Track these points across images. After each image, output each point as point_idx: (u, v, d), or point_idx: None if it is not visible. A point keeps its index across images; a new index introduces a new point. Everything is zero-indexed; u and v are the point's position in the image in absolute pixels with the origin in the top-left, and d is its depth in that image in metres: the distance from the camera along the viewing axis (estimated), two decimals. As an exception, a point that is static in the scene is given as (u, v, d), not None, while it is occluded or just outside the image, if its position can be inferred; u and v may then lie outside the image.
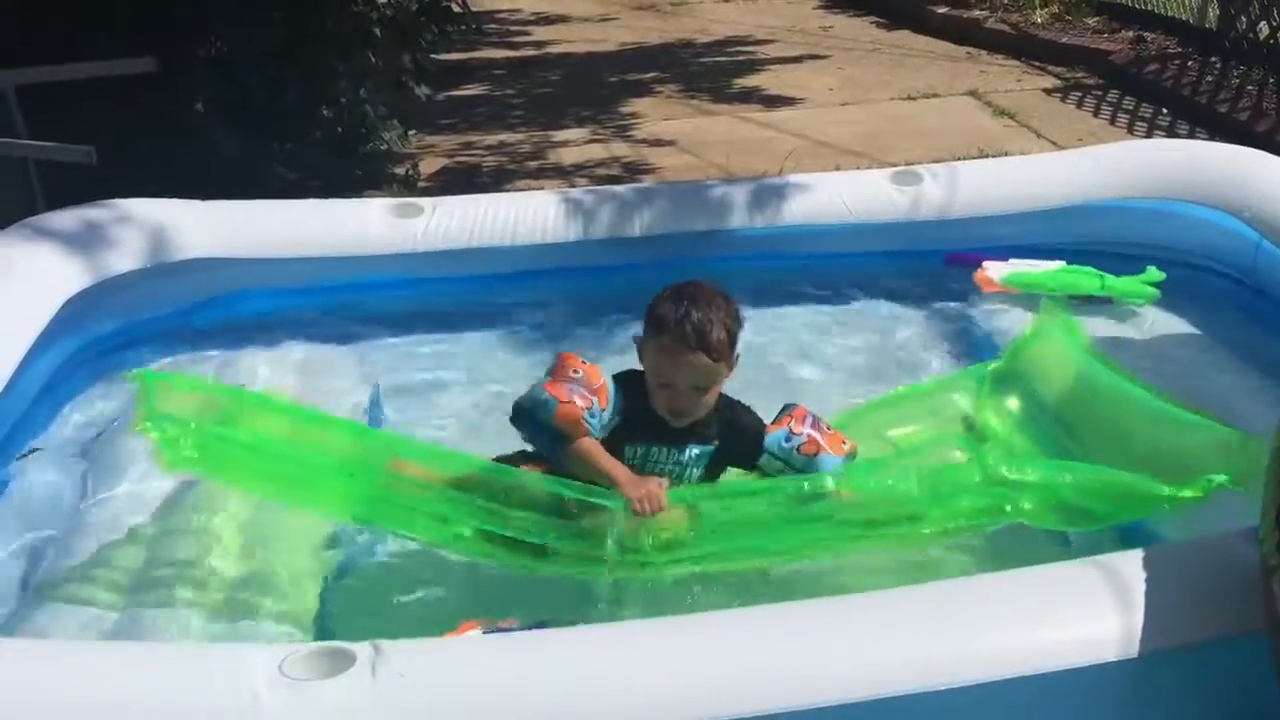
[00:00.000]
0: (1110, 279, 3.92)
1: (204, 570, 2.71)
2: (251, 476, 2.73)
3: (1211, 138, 6.25)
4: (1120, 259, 4.05)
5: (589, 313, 4.09)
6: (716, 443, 2.78)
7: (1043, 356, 3.26)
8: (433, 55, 6.72)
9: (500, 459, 2.79)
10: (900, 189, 4.27)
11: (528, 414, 2.69)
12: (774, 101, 7.72)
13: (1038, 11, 8.95)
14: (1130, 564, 2.28)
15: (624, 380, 2.77)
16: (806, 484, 2.69)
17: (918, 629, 2.20)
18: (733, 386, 2.80)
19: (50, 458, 3.31)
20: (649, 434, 2.72)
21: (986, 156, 5.84)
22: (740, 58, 8.99)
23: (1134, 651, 2.13)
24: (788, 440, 2.78)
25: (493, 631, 2.33)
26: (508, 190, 5.86)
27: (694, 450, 2.76)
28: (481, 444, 3.15)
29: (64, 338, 3.66)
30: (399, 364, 3.83)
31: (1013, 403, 3.20)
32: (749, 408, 2.85)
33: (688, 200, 4.32)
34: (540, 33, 10.08)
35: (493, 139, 7.16)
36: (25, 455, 3.30)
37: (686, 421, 2.71)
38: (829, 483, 2.68)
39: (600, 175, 6.32)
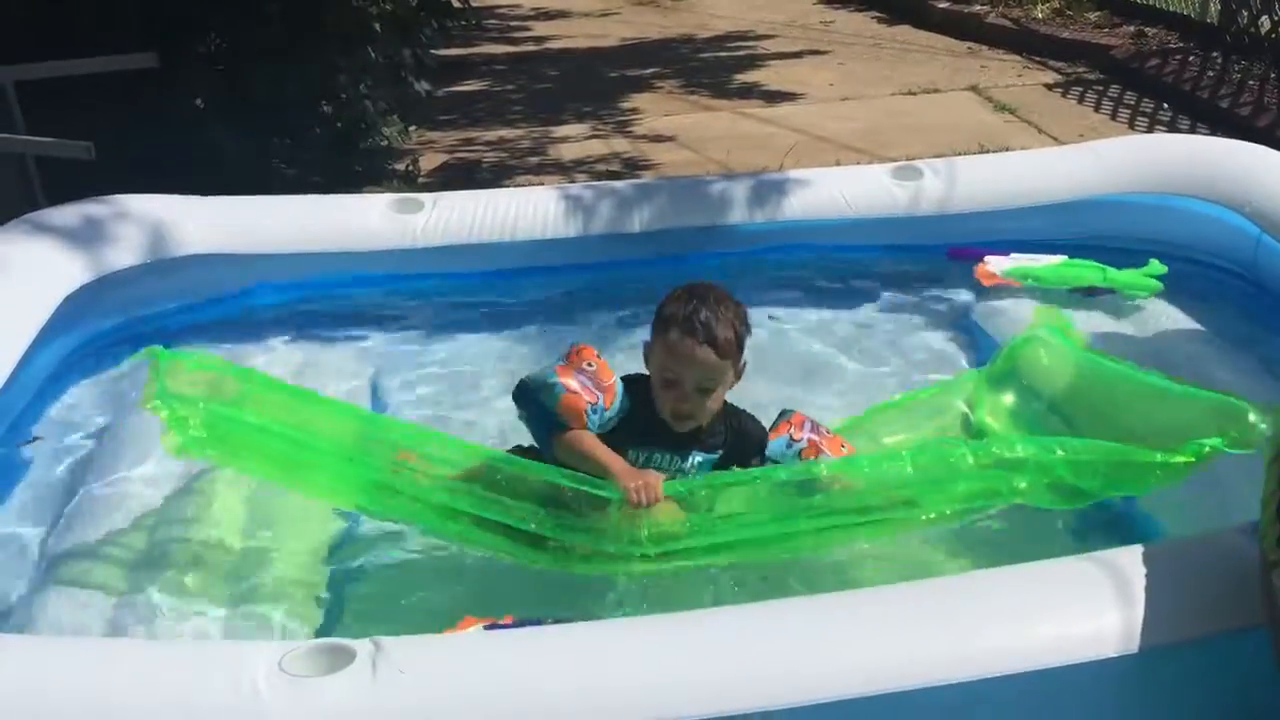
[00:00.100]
0: (1112, 272, 3.92)
1: (204, 566, 2.71)
2: (257, 459, 2.73)
3: (1213, 133, 6.24)
4: (1121, 254, 4.04)
5: (589, 308, 4.09)
6: (720, 452, 2.76)
7: (1038, 356, 3.25)
8: (433, 51, 6.73)
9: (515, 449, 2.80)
10: (900, 184, 4.27)
11: (532, 394, 2.70)
12: (774, 97, 7.71)
13: (1038, 6, 8.94)
14: (1130, 559, 2.28)
15: (631, 384, 2.76)
16: (801, 470, 2.68)
17: (917, 625, 2.20)
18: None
19: (50, 452, 3.31)
20: (652, 440, 2.72)
21: (987, 152, 5.83)
22: (740, 53, 8.99)
23: (1134, 647, 2.13)
24: (789, 446, 2.78)
25: (493, 629, 2.33)
26: (508, 186, 5.85)
27: (697, 458, 2.75)
28: (480, 439, 3.16)
29: (64, 333, 3.66)
30: (398, 360, 3.83)
31: (1008, 400, 3.19)
32: (753, 416, 2.84)
33: (688, 196, 4.32)
34: (540, 28, 10.07)
35: (493, 134, 7.16)
36: (28, 443, 3.31)
37: (689, 426, 2.70)
38: (823, 469, 2.68)
39: (600, 171, 6.32)
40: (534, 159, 6.66)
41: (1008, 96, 7.43)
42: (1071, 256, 4.01)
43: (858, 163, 5.69)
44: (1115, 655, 2.13)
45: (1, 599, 2.72)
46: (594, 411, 2.65)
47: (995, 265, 3.98)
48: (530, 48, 9.47)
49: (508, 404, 3.48)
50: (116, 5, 5.44)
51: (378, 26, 5.89)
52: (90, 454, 3.26)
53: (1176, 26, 8.24)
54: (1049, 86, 7.70)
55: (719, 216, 4.23)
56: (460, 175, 6.32)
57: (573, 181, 5.68)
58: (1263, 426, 2.56)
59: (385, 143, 6.40)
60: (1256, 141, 4.49)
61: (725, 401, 2.75)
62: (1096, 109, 7.21)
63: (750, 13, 10.12)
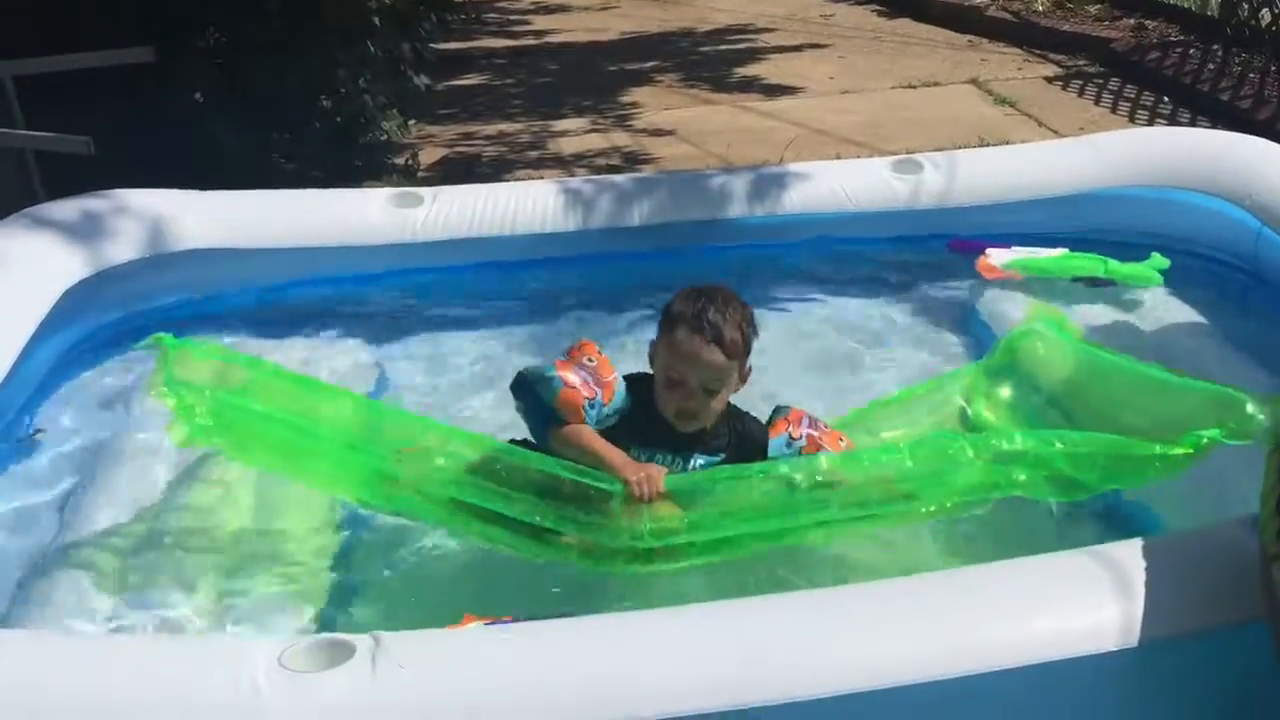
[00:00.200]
0: (1114, 264, 3.92)
1: (204, 561, 2.71)
2: (262, 448, 2.73)
3: (1213, 125, 6.24)
4: (1122, 247, 4.04)
5: (589, 303, 4.08)
6: (723, 455, 2.75)
7: (1035, 349, 3.25)
8: (432, 44, 6.72)
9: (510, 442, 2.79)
10: (900, 178, 4.27)
11: (529, 386, 2.68)
12: (774, 90, 7.70)
13: (1038, -1, 8.94)
14: (1130, 553, 2.28)
15: (634, 382, 2.74)
16: (802, 464, 2.68)
17: (916, 620, 2.20)
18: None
19: (50, 446, 3.31)
20: (654, 440, 2.70)
21: (987, 145, 5.83)
22: (740, 46, 8.98)
23: (1134, 640, 2.13)
24: (789, 445, 2.77)
25: (494, 627, 2.33)
26: (507, 180, 5.84)
27: (699, 460, 2.73)
28: (480, 432, 3.15)
29: (64, 328, 3.66)
30: (398, 354, 3.83)
31: (1006, 395, 3.19)
32: (755, 418, 2.83)
33: (688, 189, 4.31)
34: (540, 22, 10.06)
35: (492, 129, 7.15)
36: (30, 436, 3.31)
37: (693, 427, 2.68)
38: (824, 463, 2.68)
39: (600, 165, 6.31)
40: (533, 153, 6.66)
41: (1008, 90, 7.42)
42: (1073, 250, 4.01)
43: (858, 156, 5.69)
44: (1115, 649, 2.13)
45: (3, 594, 2.72)
46: (591, 407, 2.64)
47: (996, 258, 3.97)
48: (530, 41, 9.46)
49: (507, 398, 3.49)
50: (116, 0, 5.43)
51: (377, 20, 5.89)
52: (90, 448, 3.26)
53: (1177, 19, 8.23)
54: (1049, 79, 7.69)
55: (719, 210, 4.23)
56: (460, 169, 6.31)
57: (572, 175, 5.67)
58: (1261, 418, 2.56)
59: (385, 137, 6.40)
60: (1257, 134, 4.49)
61: (729, 403, 2.74)
62: (1097, 102, 7.20)
63: (750, 6, 10.11)
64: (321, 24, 5.71)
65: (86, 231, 3.81)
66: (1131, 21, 8.43)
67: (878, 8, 9.91)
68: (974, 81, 7.66)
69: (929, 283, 4.16)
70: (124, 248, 3.85)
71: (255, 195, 4.23)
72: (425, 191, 4.24)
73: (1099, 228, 4.20)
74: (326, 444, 2.71)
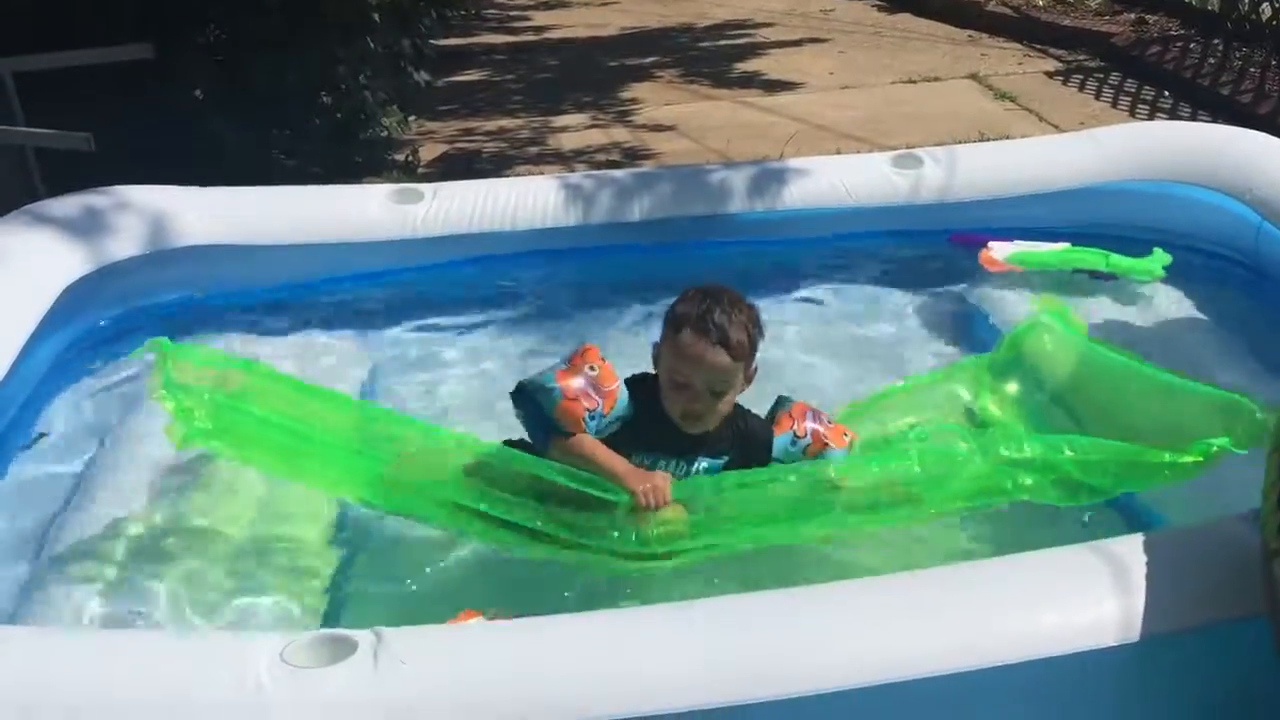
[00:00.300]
0: (1115, 258, 3.92)
1: (206, 558, 2.71)
2: (262, 451, 2.73)
3: (1214, 120, 6.23)
4: (1122, 242, 4.04)
5: (589, 298, 4.09)
6: (727, 457, 2.74)
7: (1041, 344, 3.25)
8: (432, 40, 6.71)
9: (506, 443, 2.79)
10: (901, 173, 4.26)
11: (529, 396, 2.67)
12: (774, 86, 7.69)
13: (1039, -7, 8.93)
14: (1131, 548, 2.28)
15: (636, 387, 2.72)
16: (809, 471, 2.68)
17: (917, 615, 2.20)
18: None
19: (52, 443, 3.32)
20: (658, 446, 2.69)
21: (988, 140, 5.82)
22: (740, 41, 8.97)
23: (1135, 636, 2.13)
24: (793, 444, 2.77)
25: (493, 620, 2.33)
26: (508, 176, 5.84)
27: (703, 464, 2.72)
28: (480, 430, 3.15)
29: (64, 324, 3.66)
30: (399, 350, 3.84)
31: (1012, 389, 3.19)
32: (757, 416, 2.81)
33: (688, 184, 4.31)
34: (539, 17, 10.05)
35: (492, 125, 7.15)
36: (32, 442, 3.31)
37: (699, 429, 2.66)
38: (831, 471, 2.67)
39: (600, 161, 6.31)
40: (534, 149, 6.65)
41: (1008, 84, 7.41)
42: (1075, 244, 4.01)
43: (858, 151, 5.68)
44: (1116, 644, 2.13)
45: (5, 591, 2.73)
46: (592, 418, 2.62)
47: (999, 251, 3.97)
48: (530, 37, 9.45)
49: (507, 394, 3.50)
50: (116, -4, 5.44)
51: (377, 16, 5.88)
52: (92, 445, 3.26)
53: (1177, 14, 8.22)
54: (1050, 74, 7.68)
55: (719, 206, 4.23)
56: (460, 165, 6.31)
57: (573, 171, 5.67)
58: (1269, 426, 2.55)
59: (385, 133, 6.40)
60: (1257, 129, 4.48)
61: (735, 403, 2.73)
62: (1097, 97, 7.20)
63: (750, 1, 10.10)
64: (321, 20, 5.71)
65: (87, 228, 3.81)
66: (1132, 16, 8.42)
67: (878, 3, 9.90)
68: (974, 76, 7.65)
69: (929, 277, 4.16)
70: (124, 244, 3.85)
71: (255, 192, 4.22)
72: (426, 187, 4.24)
73: (1099, 223, 4.20)
74: (326, 446, 2.71)
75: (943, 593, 2.26)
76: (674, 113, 7.18)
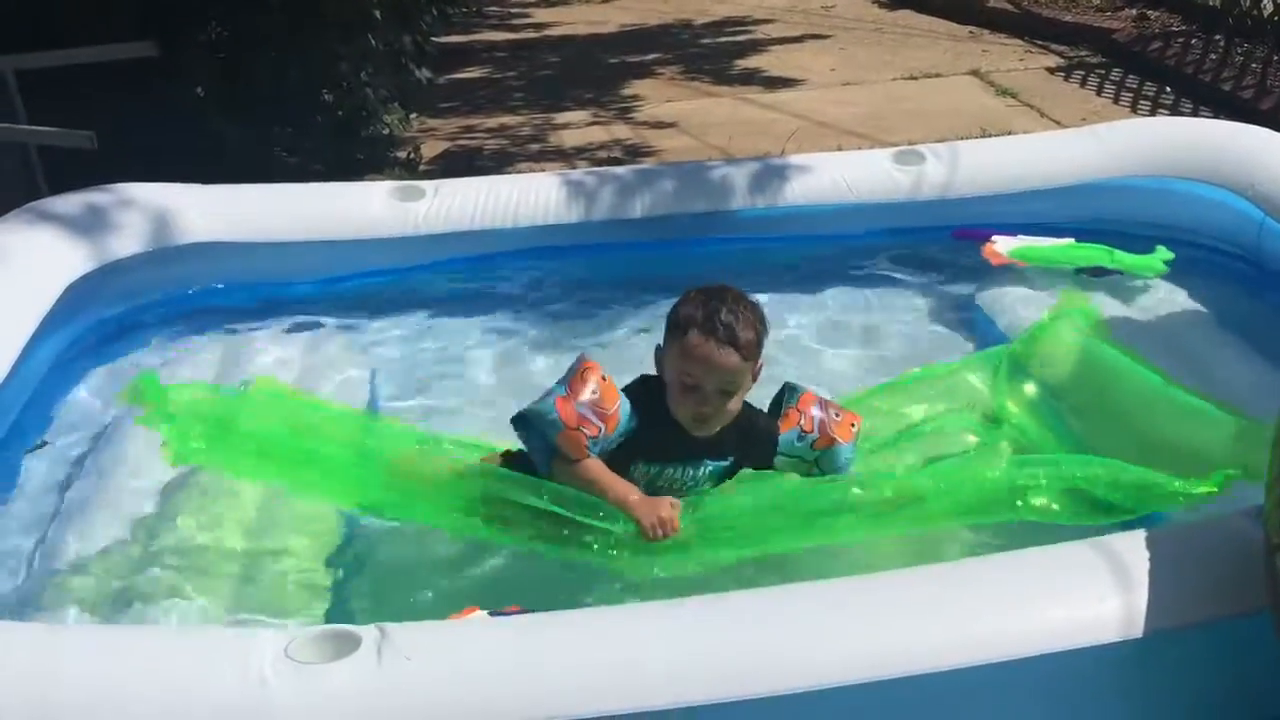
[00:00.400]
0: (1119, 254, 3.92)
1: (210, 554, 2.72)
2: (259, 464, 2.71)
3: (1215, 116, 6.22)
4: (1124, 238, 4.04)
5: (590, 295, 4.09)
6: (732, 458, 2.72)
7: (1060, 342, 3.22)
8: (433, 38, 6.71)
9: (505, 454, 2.79)
10: (902, 169, 4.26)
11: (532, 424, 2.62)
12: (775, 83, 7.69)
13: (1040, -11, 8.92)
14: (1133, 544, 2.28)
15: (638, 394, 2.68)
16: (821, 494, 2.66)
17: (919, 611, 2.20)
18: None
19: (55, 442, 3.32)
20: (663, 453, 2.66)
21: (989, 136, 5.82)
22: (741, 38, 8.97)
23: (1137, 632, 2.14)
24: (800, 439, 2.75)
25: (497, 615, 2.33)
26: (509, 173, 5.84)
27: (709, 466, 2.71)
28: (480, 427, 3.16)
29: (67, 322, 3.67)
30: (399, 348, 3.84)
31: (1028, 387, 3.15)
32: (762, 411, 2.79)
33: (689, 181, 4.31)
34: (540, 15, 10.05)
35: (494, 122, 7.15)
36: (34, 449, 3.31)
37: (707, 431, 2.63)
38: (844, 491, 2.65)
39: (601, 158, 6.31)
40: (535, 146, 6.65)
41: (1009, 80, 7.41)
42: (1078, 239, 4.01)
43: (859, 148, 5.68)
44: (1118, 640, 2.13)
45: (8, 589, 2.73)
46: (595, 445, 2.58)
47: (1002, 245, 3.98)
48: (530, 34, 9.45)
49: (508, 391, 3.51)
50: (117, -7, 5.44)
51: (378, 14, 5.88)
52: (95, 443, 3.27)
53: (1179, 9, 8.21)
54: (1051, 70, 7.68)
55: (721, 202, 4.22)
56: (461, 163, 6.31)
57: (574, 168, 5.67)
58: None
59: (386, 130, 6.40)
60: (1259, 124, 4.48)
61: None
62: (1099, 93, 7.19)
63: (750, -3, 10.11)
64: (323, 18, 5.71)
65: (89, 226, 3.81)
66: (1133, 12, 8.41)
67: (879, -2, 9.90)
68: (976, 73, 7.65)
69: (931, 273, 4.16)
70: (127, 242, 3.85)
71: (257, 189, 4.23)
72: (427, 185, 4.24)
73: (1101, 218, 4.20)
74: (325, 457, 2.69)
75: (943, 589, 2.26)
76: (675, 109, 7.18)
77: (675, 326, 2.60)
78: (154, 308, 3.95)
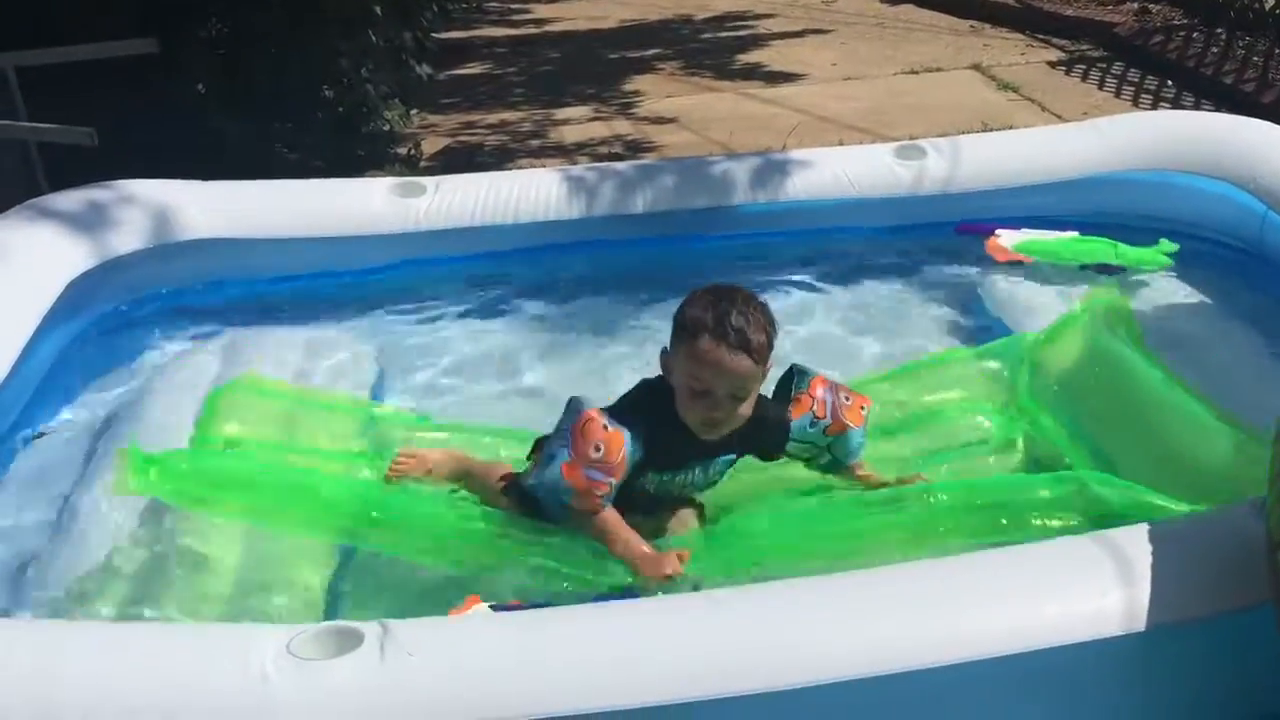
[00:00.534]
0: (1123, 248, 3.91)
1: (212, 551, 2.71)
2: (247, 505, 2.72)
3: (1217, 109, 6.22)
4: (1127, 231, 4.04)
5: (591, 291, 4.08)
6: (743, 449, 2.72)
7: (1086, 338, 3.19)
8: (433, 34, 6.71)
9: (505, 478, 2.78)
10: (904, 163, 4.26)
11: (543, 493, 2.60)
12: (776, 77, 7.68)
13: (1041, -16, 8.90)
14: (1135, 538, 2.27)
15: (643, 402, 2.64)
16: (835, 518, 2.67)
17: (920, 606, 2.20)
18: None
19: (56, 439, 3.32)
20: (674, 460, 2.65)
21: (990, 131, 5.81)
22: (742, 33, 8.96)
23: (1140, 626, 2.13)
24: (812, 425, 2.74)
25: (500, 609, 2.33)
26: (510, 169, 5.84)
27: (719, 462, 2.70)
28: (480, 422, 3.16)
29: (68, 319, 3.67)
30: (402, 343, 3.83)
31: (1049, 383, 3.13)
32: (770, 400, 2.76)
33: (690, 176, 4.31)
34: (541, 10, 10.04)
35: (494, 118, 7.14)
36: (35, 438, 3.31)
37: (718, 435, 2.60)
38: (856, 515, 2.65)
39: (602, 153, 6.30)
40: (536, 142, 6.64)
41: (1011, 75, 7.40)
42: (1082, 233, 4.01)
43: (861, 143, 5.67)
44: (1120, 634, 2.13)
45: (9, 587, 2.73)
46: (607, 499, 2.56)
47: (1007, 239, 3.97)
48: (531, 30, 9.44)
49: (508, 389, 3.51)
50: (117, -9, 5.44)
51: (378, 10, 5.88)
52: (96, 439, 3.27)
53: (1180, 3, 8.20)
54: (1052, 64, 7.66)
55: (722, 198, 4.22)
56: (462, 159, 6.30)
57: (575, 164, 5.66)
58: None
59: (387, 127, 6.39)
60: (1261, 117, 4.47)
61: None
62: (1100, 86, 7.18)
63: (750, -9, 10.09)
64: (323, 14, 5.70)
65: (90, 223, 3.81)
66: (1135, 5, 8.40)
67: (879, -7, 9.88)
68: (977, 67, 7.64)
69: (933, 267, 4.15)
70: (127, 238, 3.85)
71: (258, 185, 4.22)
72: (428, 181, 4.24)
73: (1103, 212, 4.20)
74: (315, 503, 2.68)
75: (943, 583, 2.26)
76: (676, 105, 7.17)
77: (684, 330, 2.54)
78: (155, 304, 3.95)
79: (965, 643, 2.13)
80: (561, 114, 7.15)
